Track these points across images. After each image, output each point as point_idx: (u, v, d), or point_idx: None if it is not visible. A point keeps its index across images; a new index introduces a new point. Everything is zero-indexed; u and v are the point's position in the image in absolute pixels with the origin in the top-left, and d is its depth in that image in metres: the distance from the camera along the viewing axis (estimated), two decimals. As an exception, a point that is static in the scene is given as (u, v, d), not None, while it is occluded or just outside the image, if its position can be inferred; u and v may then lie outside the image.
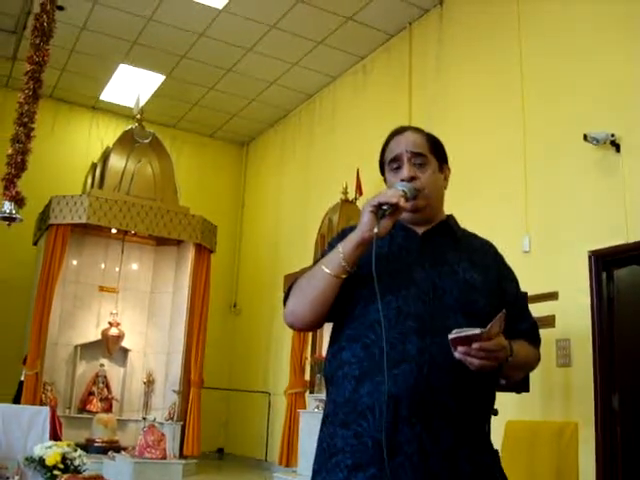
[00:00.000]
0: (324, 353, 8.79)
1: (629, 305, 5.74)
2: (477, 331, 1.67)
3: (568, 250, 6.04)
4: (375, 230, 1.77)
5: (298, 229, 10.69)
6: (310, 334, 9.07)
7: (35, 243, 10.10)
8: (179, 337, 9.83)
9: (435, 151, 2.06)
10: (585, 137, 5.78)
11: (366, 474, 1.73)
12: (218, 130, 12.70)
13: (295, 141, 11.55)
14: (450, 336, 1.69)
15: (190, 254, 9.97)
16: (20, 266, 10.37)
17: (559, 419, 5.69)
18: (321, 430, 1.93)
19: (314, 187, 10.60)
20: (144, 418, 9.12)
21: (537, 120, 6.67)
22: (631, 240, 5.53)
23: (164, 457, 7.47)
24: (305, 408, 8.65)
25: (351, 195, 8.73)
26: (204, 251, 10.02)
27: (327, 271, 1.84)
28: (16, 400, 8.50)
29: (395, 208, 1.80)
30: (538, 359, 2.07)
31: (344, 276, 1.84)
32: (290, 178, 11.51)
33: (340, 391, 1.86)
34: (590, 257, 5.80)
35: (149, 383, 9.96)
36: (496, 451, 1.93)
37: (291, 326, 2.01)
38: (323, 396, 8.25)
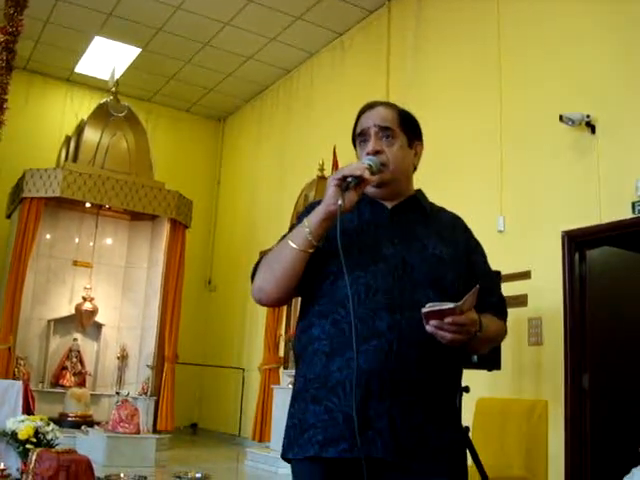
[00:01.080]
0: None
1: (601, 285, 5.82)
2: (451, 305, 1.69)
3: (542, 230, 6.10)
4: (339, 202, 1.76)
5: (274, 205, 10.67)
6: (284, 310, 9.09)
7: (8, 216, 10.00)
8: (153, 312, 9.81)
9: (405, 126, 2.04)
10: (561, 118, 5.81)
11: (337, 449, 1.74)
12: (194, 105, 12.61)
13: (272, 117, 11.49)
14: (423, 310, 1.70)
15: (165, 229, 9.93)
16: (-8, 239, 10.28)
17: (530, 397, 5.78)
18: (291, 406, 1.93)
19: (291, 163, 10.57)
20: (117, 393, 9.10)
21: (514, 101, 6.69)
22: (604, 221, 5.59)
23: (137, 432, 7.48)
24: (279, 384, 8.69)
25: (328, 172, 8.71)
26: (179, 227, 9.98)
27: (293, 245, 1.83)
28: (-12, 374, 8.47)
29: (360, 181, 1.80)
30: (505, 333, 2.07)
31: (311, 250, 1.84)
32: (267, 154, 11.47)
33: (310, 367, 1.86)
34: (563, 237, 5.86)
35: (123, 358, 9.95)
36: (466, 428, 1.96)
37: (259, 302, 1.99)
38: (297, 372, 8.30)
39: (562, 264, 5.83)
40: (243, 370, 10.81)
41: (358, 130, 2.03)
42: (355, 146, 2.08)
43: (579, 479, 5.43)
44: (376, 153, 1.94)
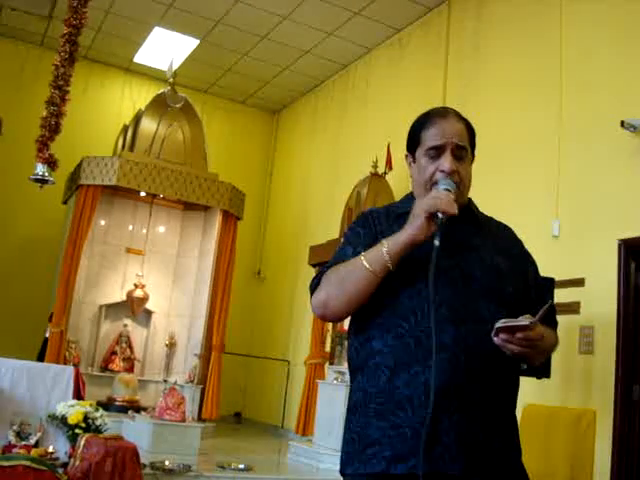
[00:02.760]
0: (345, 326, 8.84)
1: (656, 296, 5.69)
2: (526, 322, 1.68)
3: (598, 237, 5.99)
4: (436, 243, 1.76)
5: (326, 200, 10.68)
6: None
7: (65, 202, 10.19)
8: (203, 301, 9.90)
9: (471, 141, 2.03)
10: (622, 124, 5.70)
11: (407, 465, 1.72)
12: (250, 97, 12.67)
13: (327, 112, 11.49)
14: (498, 325, 1.70)
15: (217, 220, 10.00)
16: (49, 224, 10.50)
17: (578, 406, 5.69)
18: (349, 420, 1.91)
19: (344, 159, 10.56)
20: (165, 380, 9.23)
21: (574, 103, 6.57)
22: (664, 229, 5.47)
23: (183, 420, 7.56)
24: (324, 379, 8.70)
25: (381, 169, 8.67)
26: (231, 218, 10.05)
27: (369, 269, 1.82)
28: (40, 356, 8.65)
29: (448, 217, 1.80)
30: (557, 343, 2.07)
31: (384, 275, 1.83)
32: (320, 148, 11.48)
33: (372, 381, 1.84)
34: (619, 245, 5.75)
35: (171, 345, 10.07)
36: (520, 446, 1.94)
37: (321, 317, 1.99)
38: (342, 368, 8.30)
39: (617, 272, 5.71)
40: (288, 363, 10.86)
41: (430, 142, 1.97)
42: (412, 148, 2.05)
43: (626, 492, 5.33)
44: (451, 172, 1.93)
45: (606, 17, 6.45)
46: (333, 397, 7.86)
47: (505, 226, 2.14)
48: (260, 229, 12.72)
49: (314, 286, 1.98)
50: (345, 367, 8.33)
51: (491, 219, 2.12)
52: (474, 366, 1.77)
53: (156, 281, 10.19)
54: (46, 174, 6.82)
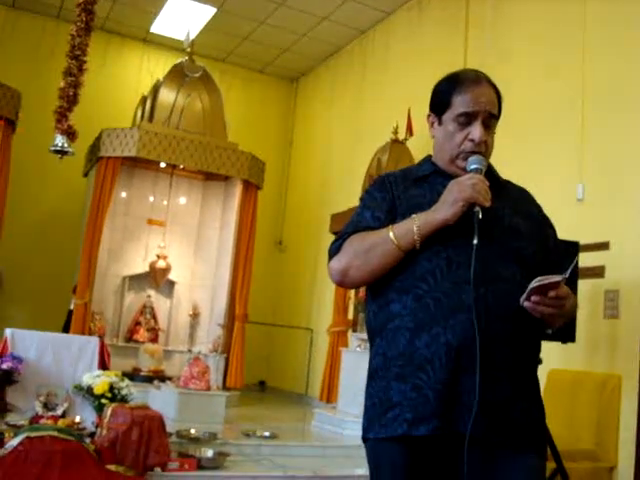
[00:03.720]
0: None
1: (682, 258, 5.61)
2: (558, 278, 1.68)
3: (622, 200, 5.90)
4: (475, 242, 1.76)
5: (347, 167, 10.61)
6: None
7: (85, 175, 10.22)
8: (225, 271, 9.93)
9: (500, 109, 2.01)
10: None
11: (429, 427, 1.72)
12: (268, 65, 12.58)
13: (346, 78, 11.38)
14: (532, 285, 1.69)
15: (238, 190, 9.98)
16: (70, 197, 10.55)
17: (603, 371, 5.65)
18: (369, 385, 1.93)
19: (364, 126, 10.47)
20: (189, 350, 9.31)
21: (598, 62, 6.43)
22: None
23: (208, 388, 7.62)
24: (347, 347, 8.72)
25: (401, 135, 8.60)
26: (251, 187, 10.03)
27: (396, 244, 1.82)
28: (65, 328, 8.75)
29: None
30: (577, 306, 2.05)
31: (410, 250, 1.83)
32: (340, 116, 11.39)
33: (392, 344, 1.84)
34: (646, 208, 5.66)
35: (194, 316, 10.13)
36: (543, 407, 1.93)
37: (340, 283, 1.99)
38: (365, 336, 8.30)
39: (645, 234, 5.64)
40: (312, 331, 10.90)
41: (461, 107, 1.93)
42: (439, 111, 2.00)
43: (652, 456, 5.31)
44: (480, 143, 1.92)
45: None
46: (356, 364, 7.86)
47: (523, 189, 2.12)
48: (281, 198, 12.69)
49: (334, 251, 1.98)
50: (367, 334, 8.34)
51: (509, 182, 2.10)
52: (495, 326, 1.76)
53: (178, 252, 10.23)
54: (65, 145, 6.83)
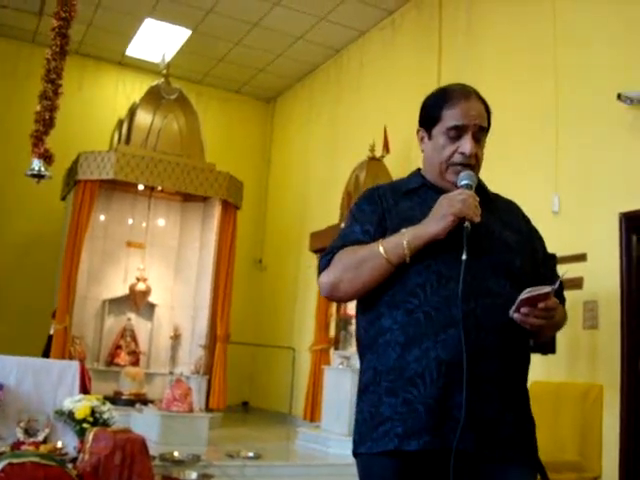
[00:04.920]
0: (349, 310, 8.85)
1: (658, 268, 5.67)
2: (548, 289, 1.70)
3: (598, 211, 5.97)
4: (464, 257, 1.76)
5: (325, 186, 10.65)
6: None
7: (63, 198, 10.17)
8: (205, 292, 9.90)
9: (489, 123, 2.05)
10: (619, 96, 5.67)
11: (419, 441, 1.71)
12: (244, 85, 12.62)
13: (322, 97, 11.44)
14: (522, 296, 1.71)
15: (216, 210, 9.98)
16: (48, 221, 10.49)
17: (584, 381, 5.69)
18: (360, 399, 1.90)
19: (341, 144, 10.53)
20: (171, 372, 9.26)
21: (570, 78, 6.53)
22: (663, 202, 5.45)
23: (190, 410, 7.58)
24: (329, 364, 8.71)
25: (378, 153, 8.65)
26: (230, 207, 10.03)
27: (386, 258, 1.82)
28: (45, 354, 8.65)
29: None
30: (566, 318, 2.05)
31: (400, 264, 1.83)
32: (317, 134, 11.44)
33: (382, 359, 1.83)
34: (620, 219, 5.73)
35: (176, 337, 10.08)
36: (533, 420, 1.93)
37: (329, 297, 1.98)
38: (347, 353, 8.31)
39: (619, 246, 5.70)
40: (294, 350, 10.87)
41: (451, 121, 1.95)
42: (429, 124, 2.02)
43: (634, 465, 5.34)
44: (471, 156, 1.94)
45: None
46: (339, 382, 7.86)
47: (512, 202, 2.15)
48: (260, 217, 12.69)
49: (323, 265, 1.96)
50: (350, 351, 8.35)
51: (498, 196, 2.12)
52: (486, 341, 1.76)
53: (158, 274, 10.19)
54: (42, 169, 6.80)
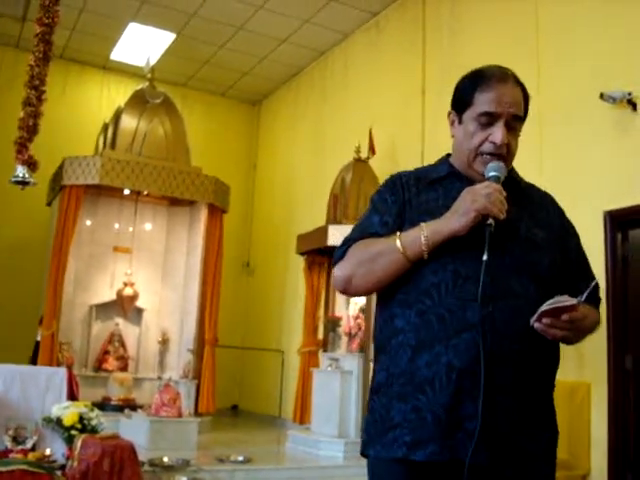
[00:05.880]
0: (337, 312, 8.86)
1: (643, 265, 5.71)
2: (573, 301, 1.58)
3: (583, 210, 5.98)
4: (485, 258, 1.64)
5: (311, 188, 10.66)
6: (323, 293, 9.11)
7: (49, 204, 10.13)
8: (193, 296, 9.88)
9: (526, 110, 1.91)
10: (601, 96, 5.71)
11: (426, 451, 1.63)
12: (229, 89, 12.61)
13: (307, 99, 11.45)
14: (543, 308, 1.59)
15: (203, 214, 9.97)
16: (34, 227, 10.44)
17: (572, 379, 5.71)
18: (372, 399, 1.82)
19: (327, 146, 10.54)
20: (159, 377, 9.24)
21: (553, 78, 6.57)
22: (647, 200, 5.49)
23: (180, 415, 7.56)
24: (318, 366, 8.71)
25: (364, 154, 8.67)
26: (217, 211, 10.02)
27: (403, 254, 1.72)
28: (33, 360, 8.61)
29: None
30: (599, 322, 1.89)
31: (417, 260, 1.73)
32: (303, 137, 11.45)
33: (395, 361, 1.74)
34: (605, 217, 5.77)
35: (164, 342, 10.05)
36: (556, 428, 1.83)
37: (343, 291, 1.88)
38: (336, 355, 8.32)
39: (604, 244, 5.74)
40: (282, 352, 10.86)
41: (483, 107, 1.82)
42: (460, 108, 1.89)
43: (622, 462, 5.37)
44: (502, 146, 1.81)
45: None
46: (328, 384, 7.86)
47: (546, 195, 2.02)
48: (247, 221, 12.69)
49: (338, 257, 1.87)
50: (338, 353, 8.36)
51: (532, 187, 2.00)
52: (502, 347, 1.64)
53: (145, 278, 10.16)
54: (27, 175, 6.77)
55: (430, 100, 8.13)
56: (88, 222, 9.92)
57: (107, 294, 9.91)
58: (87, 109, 11.46)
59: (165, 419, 7.38)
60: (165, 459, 6.04)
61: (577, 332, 1.69)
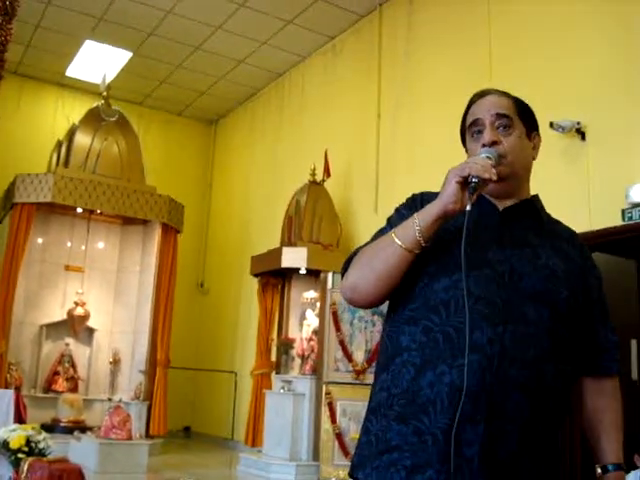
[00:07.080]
0: (290, 334, 8.85)
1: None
2: None
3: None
4: (468, 207, 1.57)
5: (267, 209, 10.67)
6: (276, 315, 9.10)
7: (-1, 222, 9.98)
8: (145, 316, 9.80)
9: (523, 115, 1.86)
10: (551, 125, 5.83)
11: (424, 476, 1.56)
12: (186, 108, 12.60)
13: (264, 120, 11.49)
14: None
15: (157, 234, 9.91)
16: (-16, 244, 10.26)
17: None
18: (368, 420, 1.74)
19: (283, 167, 10.57)
20: (110, 399, 9.12)
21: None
22: (594, 228, 5.61)
23: (130, 438, 7.47)
24: (271, 388, 8.69)
25: (319, 177, 8.72)
26: (171, 231, 9.98)
27: (399, 244, 1.64)
28: (-20, 381, 8.44)
29: (485, 184, 1.61)
30: (620, 400, 1.83)
31: (417, 251, 1.64)
32: (259, 158, 11.47)
33: (397, 380, 1.66)
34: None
35: (115, 363, 9.93)
36: (559, 457, 1.75)
37: (350, 301, 1.78)
38: (289, 377, 8.30)
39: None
40: (235, 374, 10.80)
41: (470, 120, 1.83)
42: (464, 142, 1.88)
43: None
44: (493, 144, 1.75)
45: (533, 19, 6.62)
46: (281, 406, 7.85)
47: (571, 231, 1.92)
48: (201, 241, 12.63)
49: (344, 269, 1.80)
50: (290, 376, 8.35)
51: (558, 222, 1.91)
52: (509, 372, 1.56)
53: (97, 298, 10.04)
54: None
55: (385, 123, 8.20)
56: (39, 240, 9.79)
57: (58, 314, 9.77)
58: (41, 126, 11.32)
59: (115, 442, 7.29)
60: (114, 483, 5.96)
61: None
